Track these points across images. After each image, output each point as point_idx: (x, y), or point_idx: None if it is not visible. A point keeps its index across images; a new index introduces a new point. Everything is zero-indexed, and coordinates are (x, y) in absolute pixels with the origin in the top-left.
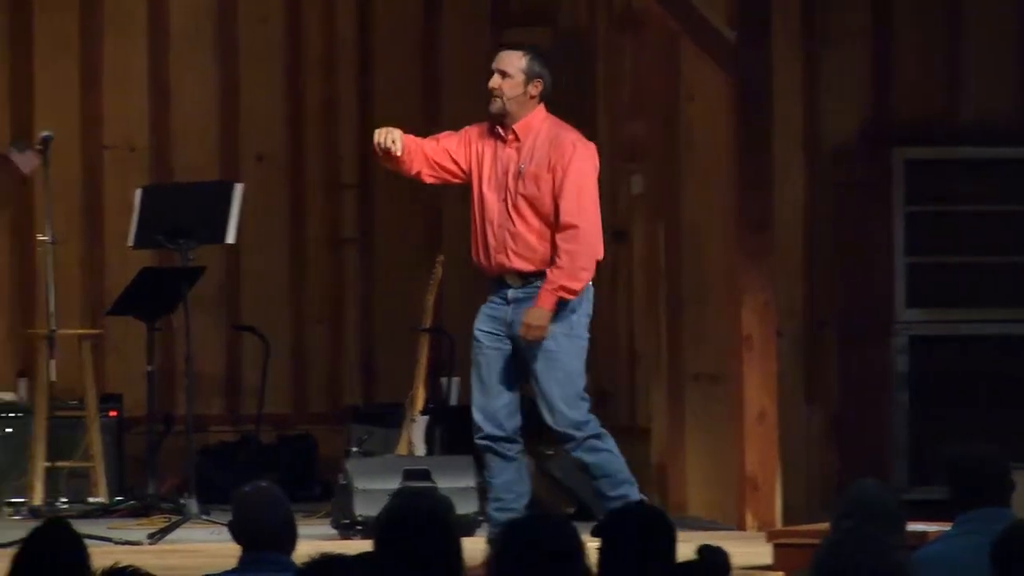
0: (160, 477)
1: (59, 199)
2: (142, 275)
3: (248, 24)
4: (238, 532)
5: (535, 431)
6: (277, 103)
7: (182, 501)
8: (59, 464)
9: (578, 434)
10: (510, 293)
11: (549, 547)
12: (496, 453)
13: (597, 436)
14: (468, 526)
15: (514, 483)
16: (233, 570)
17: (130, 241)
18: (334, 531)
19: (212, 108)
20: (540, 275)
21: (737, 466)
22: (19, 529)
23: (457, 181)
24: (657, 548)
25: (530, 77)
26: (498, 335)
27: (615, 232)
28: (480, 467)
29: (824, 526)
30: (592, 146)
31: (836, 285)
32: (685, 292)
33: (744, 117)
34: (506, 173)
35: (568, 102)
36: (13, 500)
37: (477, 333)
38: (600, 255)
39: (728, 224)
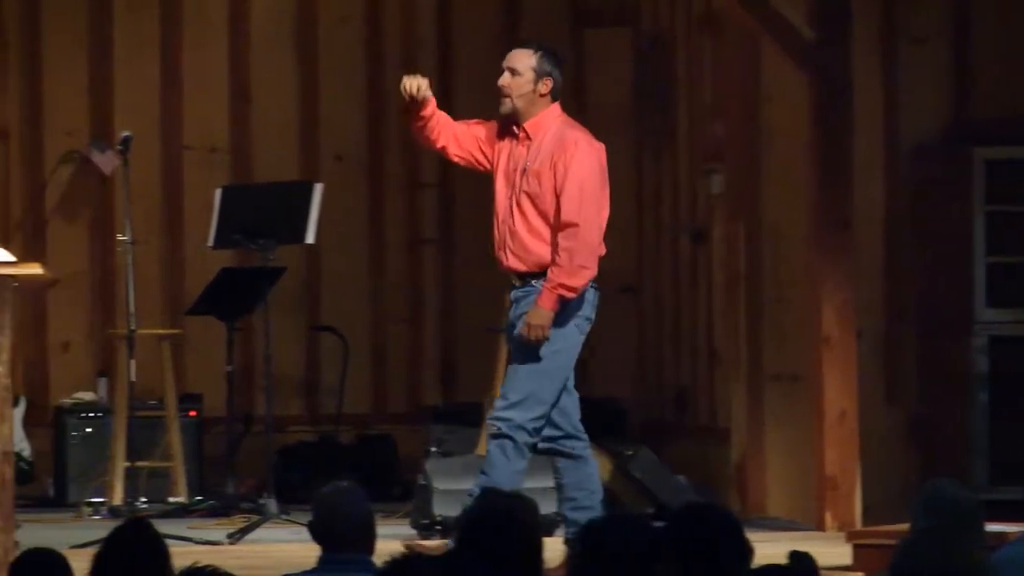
0: (239, 477)
1: (139, 199)
2: (222, 275)
3: (328, 24)
4: (318, 532)
5: (614, 430)
6: (357, 103)
7: (261, 501)
8: (139, 464)
9: (500, 426)
10: (512, 293)
11: (629, 547)
12: (559, 453)
13: (513, 440)
14: (549, 526)
15: (584, 481)
16: (313, 570)
17: (210, 241)
18: (413, 531)
19: (292, 108)
20: (536, 276)
21: (817, 466)
22: (99, 529)
23: (482, 170)
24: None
25: (540, 75)
26: (509, 332)
27: (694, 232)
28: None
29: (904, 526)
30: (599, 145)
31: (916, 285)
32: (765, 292)
33: (824, 116)
34: (515, 171)
35: (648, 102)
36: (93, 500)
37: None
38: (602, 252)
39: (808, 223)
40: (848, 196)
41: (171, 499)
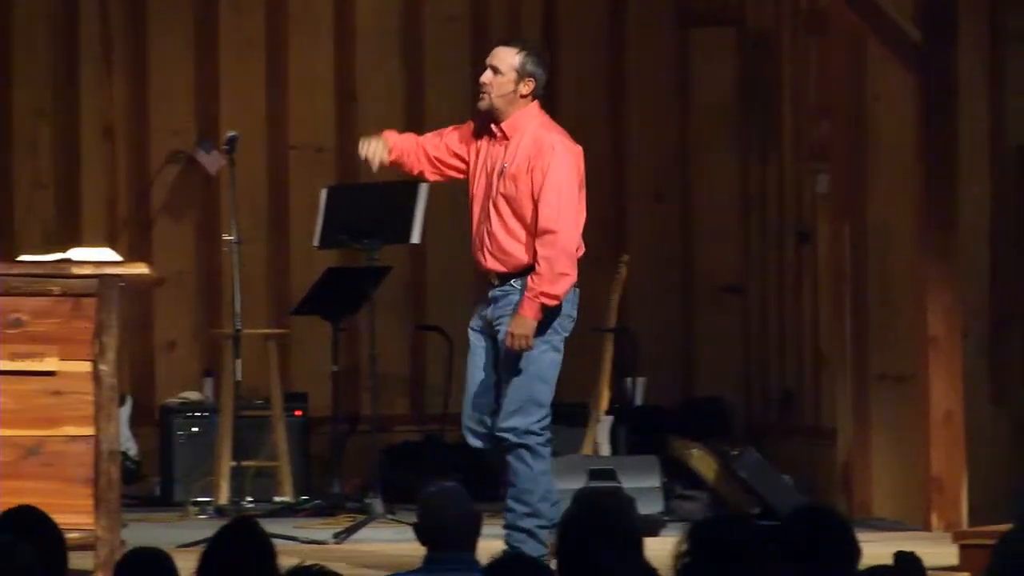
0: (345, 477)
1: (245, 199)
2: (327, 275)
3: (434, 23)
4: (423, 532)
5: (720, 430)
6: (462, 102)
7: (367, 500)
8: (245, 463)
9: (512, 438)
10: (490, 292)
11: (736, 548)
12: (489, 452)
13: (529, 449)
14: (653, 526)
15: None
16: (418, 569)
17: (315, 241)
18: None
19: (397, 107)
20: (515, 276)
21: (923, 467)
22: (205, 528)
23: (462, 176)
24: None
25: (522, 75)
26: (481, 333)
27: (800, 233)
28: (665, 468)
29: (1010, 527)
30: (576, 148)
31: (1022, 285)
32: (870, 292)
33: (930, 116)
34: (492, 171)
35: (753, 102)
36: (199, 499)
37: (469, 332)
38: (581, 251)
39: (914, 224)
40: (954, 196)
41: (277, 499)
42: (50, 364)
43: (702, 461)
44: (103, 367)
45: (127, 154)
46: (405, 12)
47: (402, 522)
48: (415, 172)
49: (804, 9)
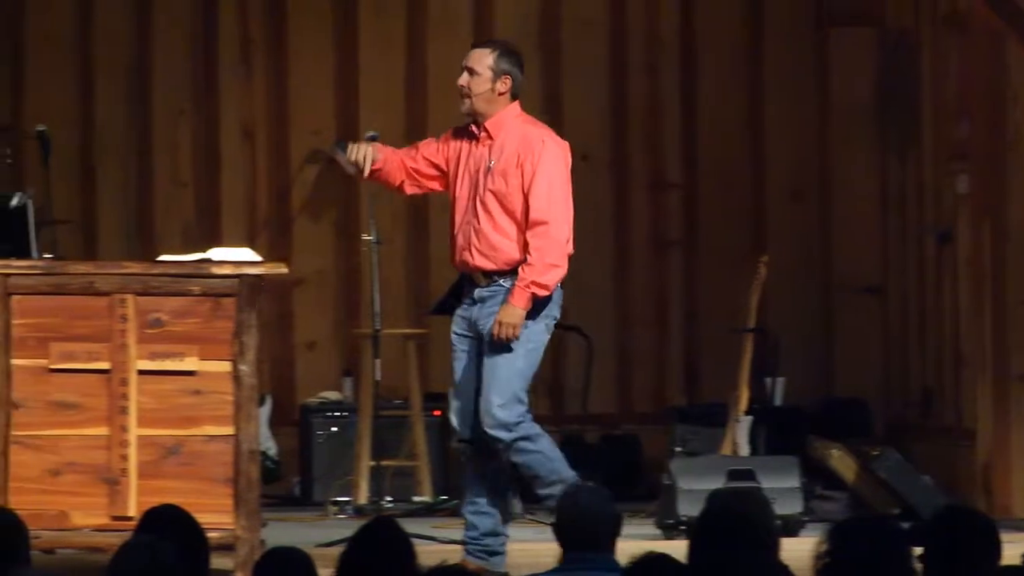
0: None
1: (384, 199)
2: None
3: (572, 25)
4: (562, 532)
5: (860, 430)
6: (601, 103)
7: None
8: (384, 463)
9: (507, 436)
10: (476, 292)
11: (877, 549)
12: (470, 457)
13: (527, 438)
14: (792, 526)
15: (480, 480)
16: (556, 569)
17: None
18: (658, 531)
19: (536, 109)
20: (503, 274)
21: None
22: (344, 528)
23: (439, 187)
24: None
25: (497, 74)
26: (465, 336)
27: (940, 233)
28: (805, 468)
29: None
30: (563, 143)
31: None
32: (1010, 292)
33: None
34: (477, 171)
35: (893, 102)
36: (338, 499)
37: (452, 336)
38: (570, 250)
39: None
40: None
41: (416, 498)
42: (190, 364)
43: (842, 461)
44: (243, 367)
45: (266, 154)
46: (543, 15)
47: (541, 522)
48: (396, 184)
49: (943, 9)
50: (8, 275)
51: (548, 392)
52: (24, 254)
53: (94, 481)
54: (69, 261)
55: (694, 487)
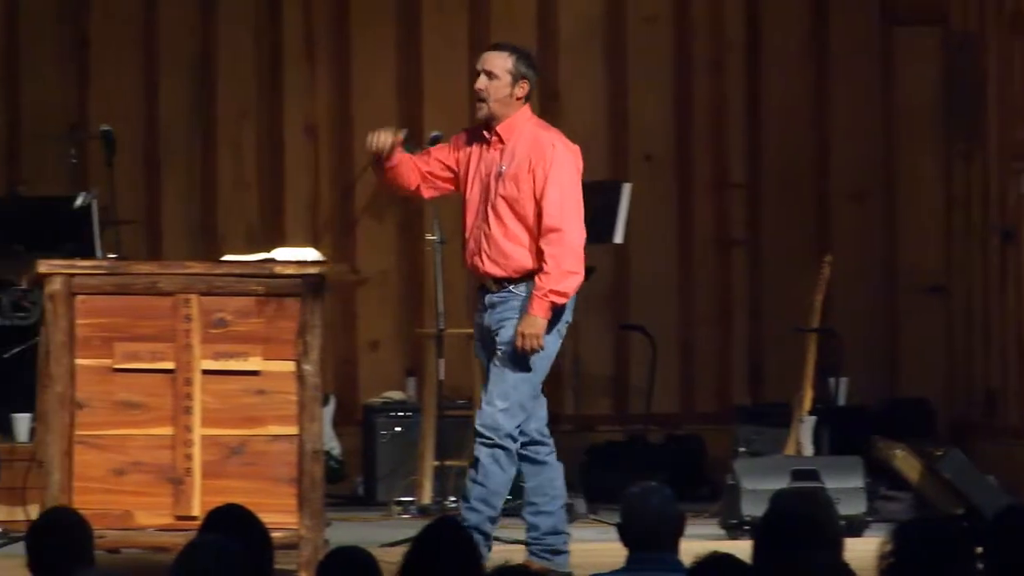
0: None
1: (446, 198)
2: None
3: (636, 24)
4: (626, 532)
5: (924, 431)
6: (665, 103)
7: (570, 501)
8: (448, 463)
9: (494, 438)
10: (488, 298)
11: (942, 549)
12: (524, 458)
13: (505, 450)
14: (856, 526)
15: (546, 486)
16: (621, 569)
17: None
18: (722, 531)
19: (601, 108)
20: (514, 281)
21: None
22: (408, 528)
23: (454, 188)
24: None
25: (516, 78)
26: (481, 342)
27: (1004, 232)
28: (868, 468)
29: None
30: (575, 148)
31: None
32: None
33: None
34: (489, 175)
35: (958, 102)
36: (402, 499)
37: (475, 344)
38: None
39: None
40: None
41: None
42: (254, 364)
43: (906, 462)
44: (306, 367)
45: (330, 154)
46: (607, 12)
47: (605, 522)
48: (412, 187)
49: (1009, 9)
50: (72, 275)
51: (611, 392)
52: (88, 254)
53: (158, 481)
54: (133, 261)
55: (758, 487)
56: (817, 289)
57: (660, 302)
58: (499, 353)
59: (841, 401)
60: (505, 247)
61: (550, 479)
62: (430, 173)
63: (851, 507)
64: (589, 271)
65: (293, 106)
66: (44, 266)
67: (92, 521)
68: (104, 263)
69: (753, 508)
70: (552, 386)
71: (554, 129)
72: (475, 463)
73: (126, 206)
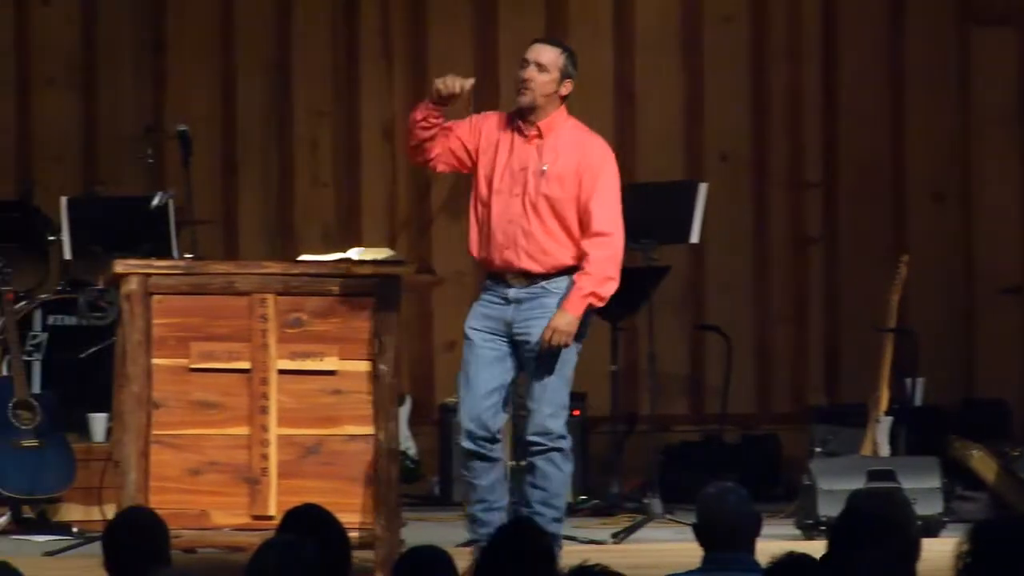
0: (624, 476)
1: None
2: None
3: (713, 23)
4: (702, 532)
5: (1000, 431)
6: (741, 102)
7: (646, 501)
8: (522, 463)
9: (548, 443)
10: (511, 293)
11: (1019, 549)
12: (479, 455)
13: (561, 451)
14: (933, 526)
15: (498, 483)
16: (697, 569)
17: None
18: (797, 531)
19: (676, 107)
20: (544, 277)
21: None
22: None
23: (464, 171)
24: None
25: (563, 76)
26: (492, 334)
27: None
28: (945, 469)
29: None
30: (612, 152)
31: None
32: None
33: None
34: (524, 169)
35: None
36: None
37: (469, 332)
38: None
39: None
40: None
41: None
42: (330, 363)
43: (983, 462)
44: (383, 366)
45: (407, 155)
46: (683, 12)
47: (681, 522)
48: (431, 155)
49: None
50: (149, 275)
51: (687, 391)
52: (165, 254)
53: (235, 480)
54: (209, 261)
55: (834, 487)
56: (893, 289)
57: (736, 302)
58: (532, 357)
59: (917, 401)
60: (546, 245)
61: (503, 476)
62: (450, 149)
63: (928, 507)
64: (664, 270)
65: (370, 106)
66: (120, 266)
67: (168, 521)
68: (180, 263)
69: (829, 508)
70: (628, 386)
71: (593, 132)
72: (531, 469)
73: (203, 206)
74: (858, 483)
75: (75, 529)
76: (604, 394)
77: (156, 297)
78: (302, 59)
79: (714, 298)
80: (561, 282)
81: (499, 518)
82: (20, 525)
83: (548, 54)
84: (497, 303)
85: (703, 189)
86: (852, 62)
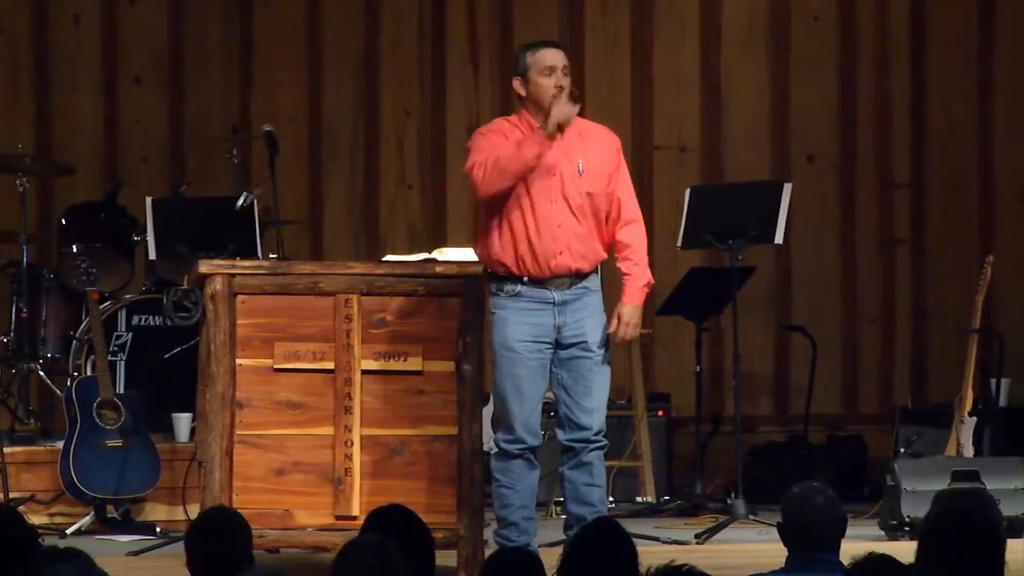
0: (708, 477)
1: None
2: (691, 275)
3: (800, 22)
4: (787, 532)
5: None
6: (829, 102)
7: (730, 501)
8: (607, 463)
9: (600, 439)
10: (556, 296)
11: None
12: (528, 461)
13: (603, 447)
14: (1017, 527)
15: (534, 491)
16: (781, 570)
17: (679, 242)
18: (882, 532)
19: (763, 107)
20: (587, 275)
21: None
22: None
23: None
24: None
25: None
26: (536, 342)
27: None
28: None
29: None
30: None
31: None
32: None
33: None
34: (553, 172)
35: None
36: (559, 499)
37: (514, 344)
38: None
39: None
40: None
41: (639, 498)
42: (414, 364)
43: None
44: (467, 367)
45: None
46: (771, 11)
47: (765, 523)
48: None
49: None
50: (234, 275)
51: (772, 392)
52: (250, 254)
53: (319, 480)
54: (294, 261)
55: (918, 488)
56: (979, 289)
57: (822, 302)
58: (586, 357)
59: (1002, 402)
60: (593, 243)
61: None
62: None
63: (1012, 508)
64: (750, 271)
65: (456, 106)
66: (205, 266)
67: (252, 521)
68: (265, 263)
69: (913, 509)
70: (713, 387)
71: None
72: (588, 468)
73: (288, 206)
74: (942, 484)
75: (158, 529)
76: (689, 395)
77: (240, 297)
78: (389, 59)
79: (799, 298)
80: (595, 277)
81: (535, 528)
82: (104, 525)
83: (565, 57)
84: (539, 309)
85: (787, 189)
86: (939, 63)
